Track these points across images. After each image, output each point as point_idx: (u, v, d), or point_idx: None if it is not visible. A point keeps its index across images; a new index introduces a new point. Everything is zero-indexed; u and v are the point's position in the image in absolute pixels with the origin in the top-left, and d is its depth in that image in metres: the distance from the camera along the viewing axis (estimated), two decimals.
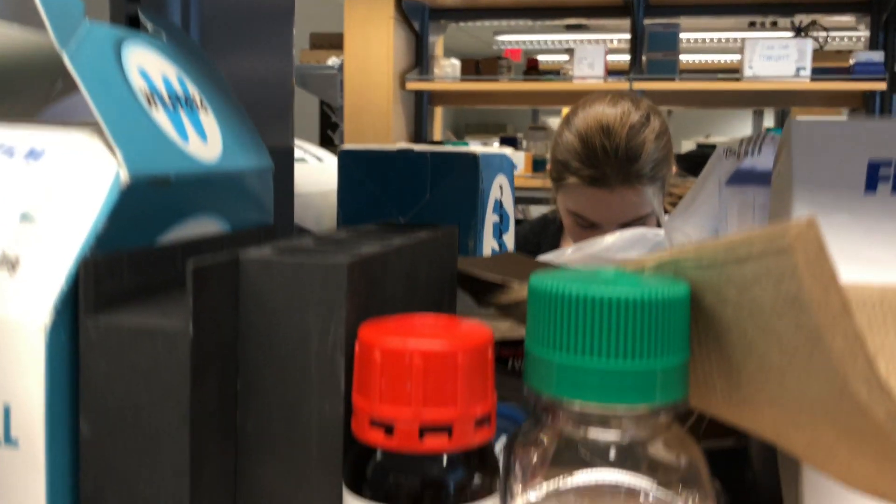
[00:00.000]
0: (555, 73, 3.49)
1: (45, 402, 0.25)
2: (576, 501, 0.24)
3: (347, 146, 0.67)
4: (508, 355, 0.40)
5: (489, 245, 0.68)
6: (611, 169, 1.14)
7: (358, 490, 0.25)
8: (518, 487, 0.25)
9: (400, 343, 0.25)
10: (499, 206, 0.73)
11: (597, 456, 0.25)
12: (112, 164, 0.27)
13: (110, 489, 0.26)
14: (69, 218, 0.26)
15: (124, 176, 0.27)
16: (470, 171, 0.66)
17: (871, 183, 0.32)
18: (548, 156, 1.24)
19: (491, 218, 0.70)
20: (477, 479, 0.25)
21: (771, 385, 0.24)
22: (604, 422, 0.25)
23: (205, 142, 0.32)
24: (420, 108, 3.15)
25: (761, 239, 0.23)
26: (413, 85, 3.05)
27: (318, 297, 0.27)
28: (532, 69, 3.60)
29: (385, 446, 0.25)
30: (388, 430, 0.25)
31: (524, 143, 3.46)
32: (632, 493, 0.24)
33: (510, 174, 0.76)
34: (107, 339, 0.25)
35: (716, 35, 4.62)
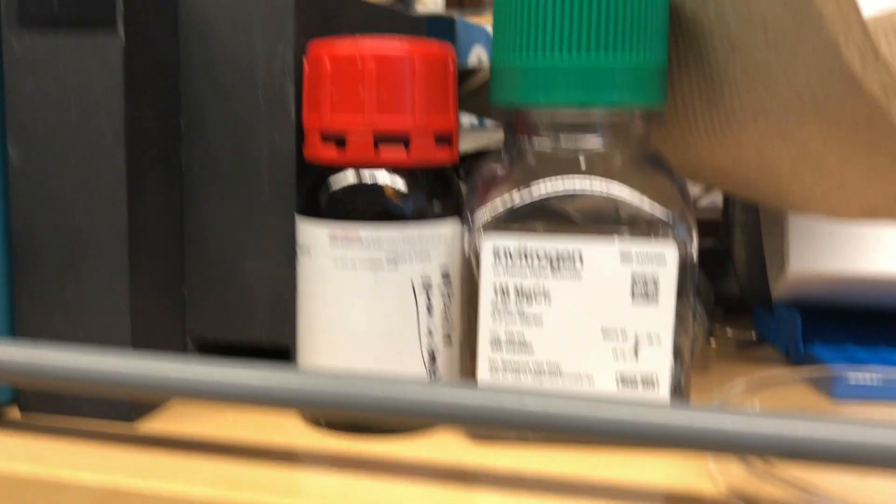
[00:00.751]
0: None
1: None
2: (540, 224, 0.22)
3: None
4: None
5: (466, 117, 0.66)
6: None
7: (313, 214, 0.23)
8: (478, 205, 0.23)
9: (351, 48, 0.23)
10: None
11: (566, 168, 0.23)
12: None
13: (44, 222, 0.24)
14: None
15: None
16: (445, 36, 0.64)
17: None
18: None
19: None
20: (437, 202, 0.23)
21: (756, 88, 0.22)
22: (575, 128, 0.23)
23: None
24: None
25: None
26: None
27: (263, 17, 0.24)
28: None
29: (338, 162, 0.23)
30: (341, 143, 0.23)
31: None
32: (602, 211, 0.22)
33: (489, 49, 0.73)
34: (32, 53, 0.23)
35: None
